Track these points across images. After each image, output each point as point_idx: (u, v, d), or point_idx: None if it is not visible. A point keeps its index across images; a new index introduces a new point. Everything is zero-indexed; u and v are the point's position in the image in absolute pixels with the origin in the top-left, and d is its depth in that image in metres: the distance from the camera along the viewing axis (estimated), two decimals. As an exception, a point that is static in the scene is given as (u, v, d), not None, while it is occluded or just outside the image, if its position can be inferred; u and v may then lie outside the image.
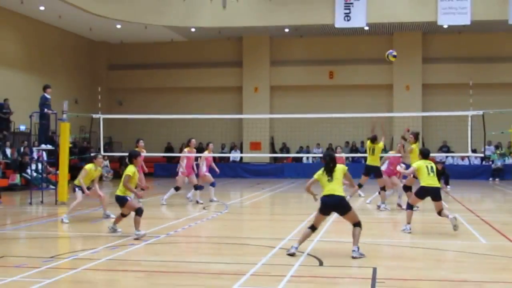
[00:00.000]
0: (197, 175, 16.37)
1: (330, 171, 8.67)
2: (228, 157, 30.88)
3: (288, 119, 27.36)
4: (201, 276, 7.32)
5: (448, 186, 22.02)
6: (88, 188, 12.76)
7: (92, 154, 13.28)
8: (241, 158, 30.84)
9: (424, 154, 11.26)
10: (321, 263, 8.02)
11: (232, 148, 31.24)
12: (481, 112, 16.90)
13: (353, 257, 8.33)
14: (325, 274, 7.54)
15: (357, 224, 8.71)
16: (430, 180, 10.80)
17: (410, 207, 11.19)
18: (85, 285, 6.98)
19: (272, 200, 18.35)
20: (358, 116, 24.66)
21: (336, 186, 8.62)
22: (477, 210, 14.68)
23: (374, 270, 7.56)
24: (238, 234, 11.12)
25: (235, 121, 30.61)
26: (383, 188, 14.82)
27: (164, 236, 10.34)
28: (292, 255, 8.43)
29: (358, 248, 8.46)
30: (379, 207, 14.67)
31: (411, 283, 7.05)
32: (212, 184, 16.38)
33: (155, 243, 9.71)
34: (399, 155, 15.28)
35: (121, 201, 10.46)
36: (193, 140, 16.74)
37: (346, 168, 8.86)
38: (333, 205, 8.63)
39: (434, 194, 10.84)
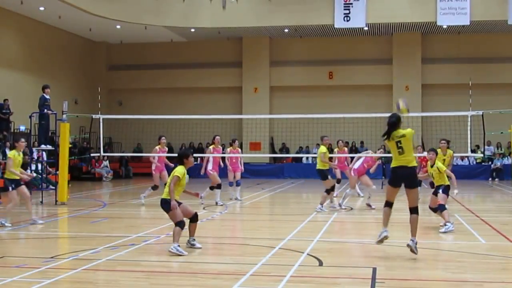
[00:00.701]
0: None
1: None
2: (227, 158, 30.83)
3: (287, 119, 27.38)
4: (201, 276, 7.32)
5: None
6: (18, 185, 11.98)
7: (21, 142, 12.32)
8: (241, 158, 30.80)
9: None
10: (320, 263, 8.03)
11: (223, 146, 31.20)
12: (480, 112, 16.90)
13: (409, 246, 8.20)
14: (324, 274, 7.55)
15: (414, 210, 8.47)
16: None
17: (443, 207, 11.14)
18: (85, 285, 6.99)
19: (272, 200, 18.36)
20: (358, 116, 24.75)
21: (409, 157, 8.43)
22: (476, 210, 14.69)
23: (374, 270, 7.57)
24: (238, 234, 11.13)
25: (234, 121, 30.61)
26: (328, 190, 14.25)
27: (164, 236, 10.35)
28: (385, 238, 8.34)
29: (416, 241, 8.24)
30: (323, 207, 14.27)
31: (410, 283, 7.06)
32: (219, 187, 16.14)
33: (155, 243, 9.72)
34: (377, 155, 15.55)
35: (168, 206, 8.77)
36: (218, 138, 16.71)
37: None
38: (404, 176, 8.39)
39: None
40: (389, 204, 8.58)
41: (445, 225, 11.07)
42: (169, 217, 8.92)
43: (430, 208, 11.95)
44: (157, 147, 16.39)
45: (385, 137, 8.60)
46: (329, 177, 14.34)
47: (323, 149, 14.41)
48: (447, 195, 11.56)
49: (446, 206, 11.39)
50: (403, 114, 8.70)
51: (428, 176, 12.43)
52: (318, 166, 14.27)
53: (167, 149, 16.90)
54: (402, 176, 8.42)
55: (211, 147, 16.67)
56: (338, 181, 18.17)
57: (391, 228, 12.09)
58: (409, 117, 27.41)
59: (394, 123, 8.57)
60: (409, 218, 8.50)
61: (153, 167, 16.16)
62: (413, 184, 8.49)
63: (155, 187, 16.00)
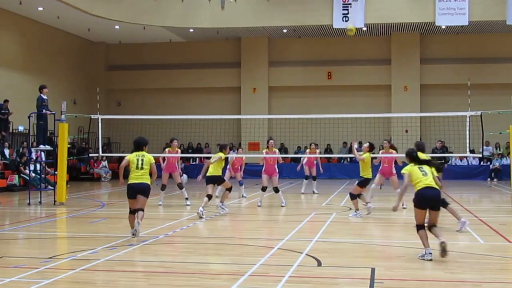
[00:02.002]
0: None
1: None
2: (227, 158, 30.83)
3: (286, 119, 27.39)
4: (200, 276, 7.32)
5: None
6: None
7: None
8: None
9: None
10: (319, 264, 8.04)
11: (230, 149, 31.14)
12: (479, 113, 16.91)
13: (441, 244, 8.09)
14: (323, 274, 7.55)
15: (434, 225, 8.49)
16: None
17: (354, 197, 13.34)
18: (84, 285, 6.99)
19: (270, 200, 18.35)
20: (357, 116, 24.76)
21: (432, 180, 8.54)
22: (475, 211, 14.70)
23: (373, 270, 7.57)
24: (237, 235, 11.13)
25: (233, 121, 30.59)
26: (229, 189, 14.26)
27: (162, 237, 10.35)
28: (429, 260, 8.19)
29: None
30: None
31: (409, 284, 7.06)
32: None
33: (154, 244, 9.72)
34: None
35: (219, 179, 13.73)
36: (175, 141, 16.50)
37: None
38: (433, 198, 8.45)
39: None
40: (421, 227, 8.51)
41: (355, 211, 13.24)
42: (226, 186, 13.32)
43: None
44: (167, 149, 16.49)
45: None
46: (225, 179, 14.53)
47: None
48: (360, 187, 13.36)
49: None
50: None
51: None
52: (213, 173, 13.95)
53: (179, 151, 16.90)
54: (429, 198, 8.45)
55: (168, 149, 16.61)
56: (307, 178, 19.92)
57: (391, 228, 12.11)
58: (408, 118, 27.52)
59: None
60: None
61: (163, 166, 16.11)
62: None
63: (163, 187, 15.98)
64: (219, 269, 7.73)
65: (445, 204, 10.42)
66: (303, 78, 31.82)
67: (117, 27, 29.05)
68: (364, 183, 13.37)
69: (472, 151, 18.60)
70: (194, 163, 30.18)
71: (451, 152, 26.54)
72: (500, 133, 23.35)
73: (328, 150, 30.15)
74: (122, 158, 30.03)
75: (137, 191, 9.92)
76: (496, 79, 30.04)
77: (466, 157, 28.27)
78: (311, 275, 7.45)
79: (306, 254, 8.64)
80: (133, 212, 9.95)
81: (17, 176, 21.74)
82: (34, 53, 27.85)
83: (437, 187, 8.53)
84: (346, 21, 26.84)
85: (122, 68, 33.63)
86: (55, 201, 16.13)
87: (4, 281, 6.91)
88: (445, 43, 31.01)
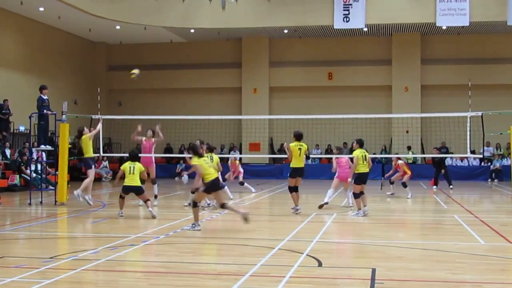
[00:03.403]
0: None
1: None
2: (227, 158, 30.84)
3: (287, 120, 27.38)
4: (200, 276, 7.33)
5: (451, 186, 22.03)
6: None
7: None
8: (240, 158, 30.79)
9: (361, 144, 13.65)
10: (320, 264, 8.04)
11: (231, 149, 31.25)
12: (480, 113, 16.92)
13: None
14: (324, 275, 7.56)
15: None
16: (363, 166, 13.27)
17: (357, 195, 13.30)
18: (85, 285, 6.99)
19: (271, 201, 18.36)
20: (357, 117, 24.75)
21: None
22: (475, 211, 14.70)
23: (373, 271, 7.57)
24: (237, 235, 11.12)
25: (234, 122, 30.61)
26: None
27: (163, 237, 10.36)
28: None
29: None
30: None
31: (410, 284, 7.07)
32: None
33: (155, 244, 9.73)
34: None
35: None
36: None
37: None
38: None
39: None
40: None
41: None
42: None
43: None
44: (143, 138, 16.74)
45: None
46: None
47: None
48: (358, 184, 13.60)
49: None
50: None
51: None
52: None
53: (153, 140, 16.90)
54: None
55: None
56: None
57: (391, 229, 12.10)
58: (409, 118, 27.51)
59: None
60: None
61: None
62: None
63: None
64: (220, 269, 7.73)
65: None
66: (303, 78, 31.83)
67: (118, 27, 29.07)
68: (359, 179, 13.36)
69: (472, 152, 18.61)
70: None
71: (452, 153, 26.54)
72: (501, 133, 23.39)
73: (328, 150, 30.16)
74: (122, 158, 30.36)
75: (130, 190, 13.15)
76: (497, 79, 30.05)
77: (466, 157, 28.27)
78: (312, 276, 7.45)
79: (307, 255, 8.64)
80: (122, 197, 13.26)
81: (18, 176, 21.75)
82: (35, 53, 27.87)
83: None
84: (347, 21, 26.86)
85: (123, 68, 33.55)
86: (56, 201, 16.14)
87: (5, 281, 6.92)
88: (446, 44, 31.01)
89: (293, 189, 13.91)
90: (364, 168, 13.31)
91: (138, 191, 13.07)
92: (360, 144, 13.69)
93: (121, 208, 13.24)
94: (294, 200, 14.03)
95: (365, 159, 13.36)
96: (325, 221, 12.58)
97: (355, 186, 13.36)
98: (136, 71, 16.86)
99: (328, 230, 11.39)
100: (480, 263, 8.29)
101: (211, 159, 13.77)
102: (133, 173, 13.04)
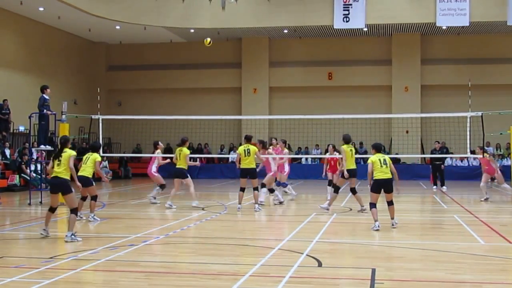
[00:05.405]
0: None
1: None
2: (227, 158, 30.88)
3: (287, 120, 27.38)
4: (200, 277, 7.33)
5: (444, 187, 22.14)
6: None
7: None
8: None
9: (377, 148, 11.87)
10: (320, 264, 8.04)
11: (231, 149, 31.25)
12: (480, 113, 16.92)
13: None
14: (324, 275, 7.56)
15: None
16: (381, 172, 11.42)
17: (373, 205, 11.46)
18: (85, 285, 6.99)
19: (271, 201, 18.35)
20: (357, 117, 24.75)
21: None
22: (475, 211, 14.70)
23: (373, 271, 7.57)
24: (237, 235, 11.13)
25: (234, 122, 30.62)
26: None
27: (163, 237, 10.36)
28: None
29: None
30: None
31: (410, 284, 7.06)
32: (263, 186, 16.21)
33: (154, 244, 9.73)
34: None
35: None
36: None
37: None
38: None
39: (387, 185, 11.46)
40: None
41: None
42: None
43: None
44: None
45: None
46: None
47: (187, 151, 15.49)
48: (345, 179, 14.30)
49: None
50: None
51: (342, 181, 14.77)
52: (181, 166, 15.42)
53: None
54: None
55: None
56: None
57: (392, 229, 12.09)
58: (409, 118, 27.48)
59: None
60: None
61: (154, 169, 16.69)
62: None
63: (163, 186, 16.46)
64: (220, 270, 7.73)
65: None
66: (303, 78, 31.83)
67: (117, 27, 29.07)
68: (375, 186, 11.86)
69: (472, 152, 18.59)
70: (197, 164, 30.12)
71: (452, 153, 26.54)
72: (501, 133, 23.39)
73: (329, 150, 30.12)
74: (122, 158, 30.39)
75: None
76: (497, 79, 30.05)
77: (466, 158, 28.26)
78: (312, 276, 7.45)
79: (307, 255, 8.64)
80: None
81: (17, 176, 21.75)
82: (35, 53, 27.86)
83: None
84: (347, 21, 26.86)
85: (123, 68, 33.65)
86: (55, 201, 16.11)
87: (4, 281, 6.92)
88: (446, 44, 31.01)
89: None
90: (380, 174, 11.46)
91: (85, 183, 12.07)
92: (377, 148, 11.91)
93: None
94: (359, 201, 14.36)
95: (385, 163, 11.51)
96: (325, 221, 12.57)
97: (371, 194, 11.62)
98: (208, 39, 18.80)
99: (328, 230, 11.39)
100: (480, 263, 8.29)
101: (248, 151, 14.81)
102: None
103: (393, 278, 7.32)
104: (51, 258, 8.38)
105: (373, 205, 11.46)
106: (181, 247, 9.65)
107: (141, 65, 33.38)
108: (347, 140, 14.51)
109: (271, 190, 16.31)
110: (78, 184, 10.60)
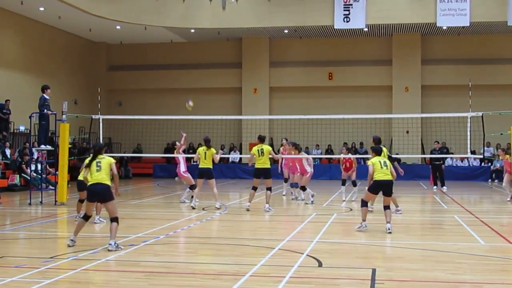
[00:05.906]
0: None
1: None
2: (227, 158, 30.89)
3: (287, 120, 27.37)
4: (200, 276, 7.33)
5: (444, 187, 22.14)
6: None
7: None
8: (240, 159, 30.84)
9: (377, 152, 11.62)
10: (320, 264, 8.04)
11: (231, 149, 31.25)
12: (480, 114, 16.92)
13: None
14: (324, 275, 7.56)
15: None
16: (382, 173, 11.09)
17: (364, 204, 11.33)
18: (85, 285, 6.99)
19: (272, 201, 18.35)
20: (358, 117, 24.74)
21: None
22: (476, 212, 14.70)
23: (373, 271, 7.58)
24: (237, 235, 11.13)
25: (234, 122, 30.60)
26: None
27: (163, 237, 10.36)
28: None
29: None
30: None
31: (410, 284, 7.07)
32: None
33: (155, 244, 9.73)
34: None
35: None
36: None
37: None
38: None
39: (386, 187, 11.15)
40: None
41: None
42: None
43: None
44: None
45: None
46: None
47: (214, 150, 15.80)
48: None
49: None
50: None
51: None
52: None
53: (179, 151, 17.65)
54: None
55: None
56: (286, 180, 19.34)
57: (392, 229, 12.10)
58: (409, 118, 27.48)
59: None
60: None
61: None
62: None
63: (193, 187, 16.33)
64: (220, 270, 7.73)
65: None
66: (304, 78, 31.82)
67: (118, 27, 29.07)
68: (373, 187, 11.55)
69: (473, 152, 18.60)
70: (195, 163, 30.12)
71: (452, 153, 26.55)
72: (501, 134, 23.37)
73: (329, 150, 30.18)
74: (122, 158, 30.38)
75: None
76: (497, 80, 30.04)
77: (467, 158, 28.26)
78: (312, 276, 7.45)
79: (307, 255, 8.65)
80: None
81: (18, 176, 21.75)
82: (35, 53, 27.86)
83: None
84: (347, 21, 26.86)
85: (123, 68, 33.65)
86: (56, 201, 16.15)
87: (5, 281, 6.92)
88: (446, 44, 31.00)
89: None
90: (381, 175, 11.12)
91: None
92: (377, 152, 11.64)
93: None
94: (394, 202, 14.15)
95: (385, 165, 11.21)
96: (325, 222, 12.57)
97: (367, 193, 11.40)
98: (190, 102, 19.03)
99: (328, 230, 11.39)
100: (480, 264, 8.29)
101: (262, 151, 14.95)
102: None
103: (393, 278, 7.33)
104: (51, 258, 8.38)
105: (364, 203, 11.32)
106: (181, 247, 9.65)
107: (142, 65, 33.38)
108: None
109: (303, 188, 16.46)
110: (118, 192, 9.92)
